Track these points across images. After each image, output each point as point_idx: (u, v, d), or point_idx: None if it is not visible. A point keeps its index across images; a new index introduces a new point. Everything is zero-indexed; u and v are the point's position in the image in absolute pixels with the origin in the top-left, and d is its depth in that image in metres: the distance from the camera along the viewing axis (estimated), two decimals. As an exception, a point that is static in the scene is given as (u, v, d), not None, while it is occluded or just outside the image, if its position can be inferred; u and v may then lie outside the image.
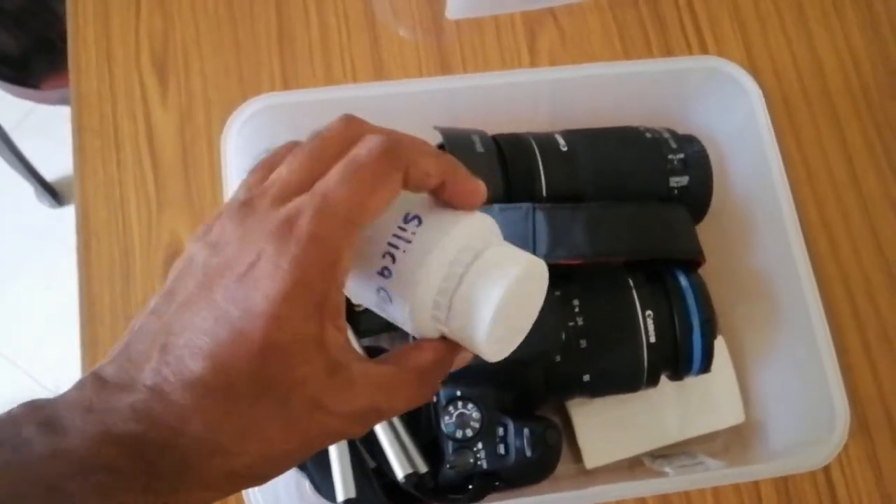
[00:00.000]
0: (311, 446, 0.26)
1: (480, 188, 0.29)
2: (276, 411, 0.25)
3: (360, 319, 0.52)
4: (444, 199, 0.29)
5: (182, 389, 0.24)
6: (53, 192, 1.32)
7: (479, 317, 0.28)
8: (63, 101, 1.05)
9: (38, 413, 0.24)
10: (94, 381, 0.25)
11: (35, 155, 1.26)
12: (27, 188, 1.30)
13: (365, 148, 0.27)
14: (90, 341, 0.54)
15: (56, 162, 1.31)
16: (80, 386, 0.25)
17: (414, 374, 0.29)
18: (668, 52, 0.62)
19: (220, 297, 0.25)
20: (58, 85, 1.02)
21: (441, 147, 0.49)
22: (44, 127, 1.33)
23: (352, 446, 0.46)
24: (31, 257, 1.33)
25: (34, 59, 1.05)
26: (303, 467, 0.47)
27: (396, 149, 0.27)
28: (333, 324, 0.26)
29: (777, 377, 0.52)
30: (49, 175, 1.31)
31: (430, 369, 0.30)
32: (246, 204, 0.27)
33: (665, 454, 0.52)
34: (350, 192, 0.26)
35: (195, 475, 0.24)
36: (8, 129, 1.17)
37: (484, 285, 0.28)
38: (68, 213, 1.35)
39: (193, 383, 0.24)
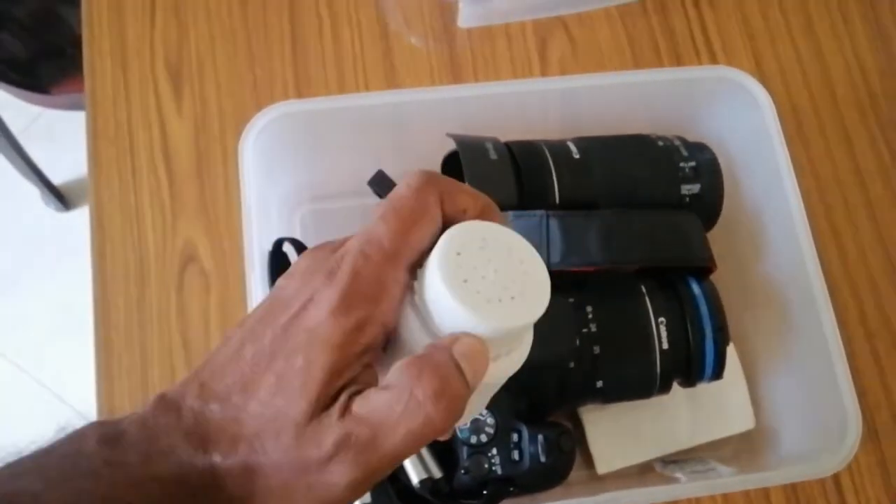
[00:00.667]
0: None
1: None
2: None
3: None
4: None
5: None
6: (60, 196, 1.33)
7: (431, 265, 0.27)
8: (72, 106, 1.05)
9: (100, 428, 0.25)
10: (158, 402, 0.26)
11: (42, 159, 1.26)
12: (34, 192, 1.31)
13: (404, 184, 0.28)
14: (105, 347, 0.54)
15: (63, 166, 1.32)
16: (146, 405, 0.26)
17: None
18: (677, 61, 0.63)
19: (281, 335, 0.26)
20: (67, 90, 1.03)
21: (454, 154, 0.50)
22: (51, 131, 1.34)
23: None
24: (36, 261, 1.33)
25: (43, 65, 1.06)
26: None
27: (433, 181, 0.28)
28: (362, 362, 0.26)
29: (788, 384, 0.52)
30: (56, 179, 1.31)
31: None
32: (311, 254, 0.29)
33: (676, 460, 0.53)
34: (388, 227, 0.27)
35: None
36: (16, 132, 1.17)
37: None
38: (74, 217, 1.36)
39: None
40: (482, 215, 0.29)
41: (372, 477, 0.26)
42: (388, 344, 0.28)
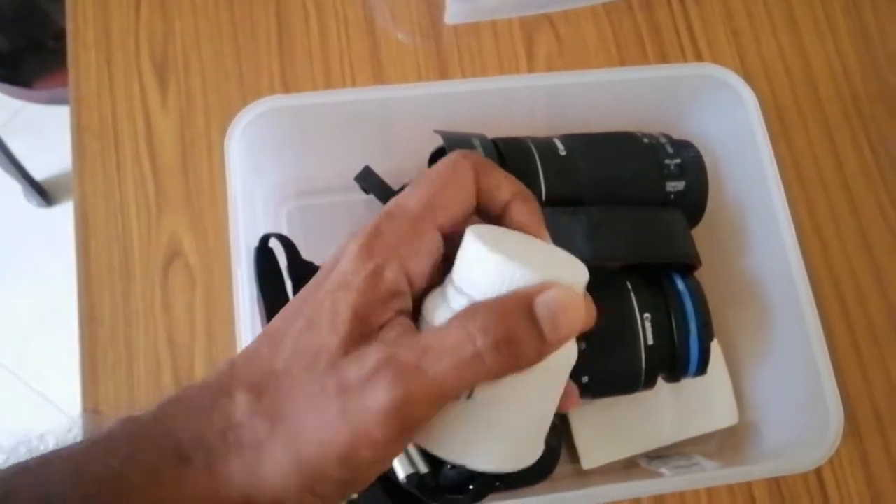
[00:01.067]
0: (349, 438, 0.24)
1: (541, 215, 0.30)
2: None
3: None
4: (515, 216, 0.30)
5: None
6: (42, 191, 1.32)
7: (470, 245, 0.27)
8: (53, 100, 1.04)
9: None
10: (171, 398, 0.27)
11: (24, 154, 1.25)
12: (15, 187, 1.29)
13: (442, 160, 0.29)
14: (90, 342, 0.54)
15: (45, 161, 1.31)
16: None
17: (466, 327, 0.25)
18: (663, 58, 0.63)
19: (312, 292, 0.27)
20: (49, 85, 1.02)
21: (441, 150, 0.50)
22: (32, 126, 1.32)
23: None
24: (18, 256, 1.32)
25: (25, 59, 1.05)
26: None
27: (468, 156, 0.29)
28: (385, 308, 0.26)
29: (771, 379, 0.53)
30: (37, 174, 1.30)
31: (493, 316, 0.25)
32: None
33: (661, 455, 0.53)
34: (416, 191, 0.28)
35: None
36: (-3, 128, 1.16)
37: None
38: (56, 213, 1.35)
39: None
40: (517, 197, 0.30)
41: (410, 411, 0.24)
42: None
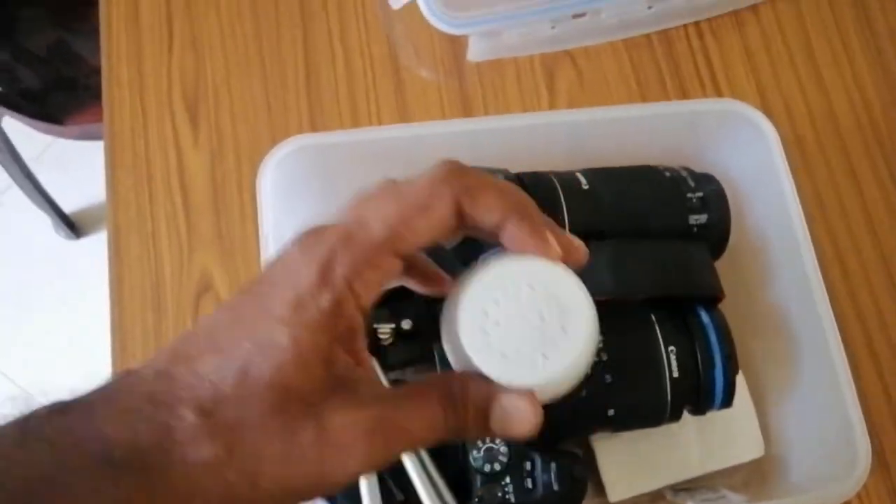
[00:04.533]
0: (318, 475, 0.25)
1: (552, 239, 0.29)
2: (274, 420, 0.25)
3: (388, 353, 0.53)
4: (508, 243, 0.28)
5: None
6: (71, 224, 1.34)
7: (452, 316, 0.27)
8: (84, 136, 1.07)
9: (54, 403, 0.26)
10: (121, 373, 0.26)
11: (53, 187, 1.28)
12: (45, 219, 1.32)
13: (424, 173, 0.27)
14: (121, 375, 0.55)
15: (73, 195, 1.33)
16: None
17: (436, 393, 0.27)
18: (683, 93, 0.64)
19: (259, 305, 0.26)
20: (79, 121, 1.05)
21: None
22: (62, 160, 1.35)
23: (381, 480, 0.47)
24: (47, 288, 1.34)
25: (55, 95, 1.08)
26: (331, 497, 0.48)
27: (453, 176, 0.27)
28: (343, 346, 0.26)
29: (797, 412, 0.52)
30: (66, 207, 1.33)
31: (458, 393, 0.27)
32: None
33: (687, 487, 0.53)
34: (384, 211, 0.26)
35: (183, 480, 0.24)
36: (28, 161, 1.19)
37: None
38: (84, 245, 1.37)
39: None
40: (509, 219, 0.28)
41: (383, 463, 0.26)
42: None
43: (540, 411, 0.28)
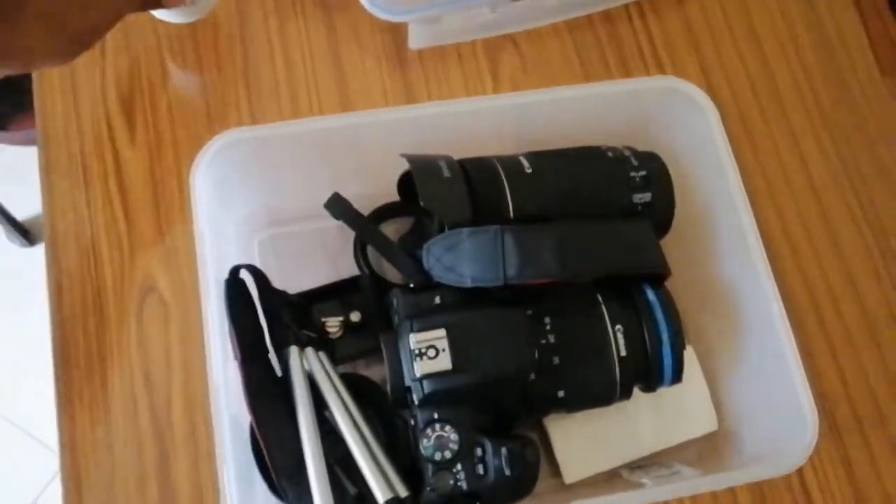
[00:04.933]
0: None
1: None
2: None
3: (336, 346, 0.53)
4: None
5: None
6: (24, 232, 1.31)
7: None
8: (28, 141, 1.05)
9: None
10: None
11: (4, 195, 1.25)
12: (-4, 229, 1.29)
13: None
14: (65, 385, 0.53)
15: (26, 202, 1.30)
16: None
17: None
18: (626, 73, 0.64)
19: None
20: (24, 126, 1.02)
21: (409, 173, 0.50)
22: (12, 167, 1.32)
23: (331, 472, 0.47)
24: (2, 297, 1.31)
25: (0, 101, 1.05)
26: (282, 495, 0.47)
27: None
28: None
29: (747, 385, 0.53)
30: (19, 215, 1.30)
31: None
32: None
33: (641, 465, 0.53)
34: None
35: None
36: (-26, 171, 1.16)
37: None
38: (39, 252, 1.34)
39: None
40: None
41: None
42: None
43: None
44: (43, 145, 0.59)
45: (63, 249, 0.56)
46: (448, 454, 0.45)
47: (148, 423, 0.53)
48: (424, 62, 0.63)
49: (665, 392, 0.51)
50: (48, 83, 0.61)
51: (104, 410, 0.53)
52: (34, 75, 0.61)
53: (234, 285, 0.47)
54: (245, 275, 0.49)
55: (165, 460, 0.52)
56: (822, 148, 0.64)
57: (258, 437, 0.45)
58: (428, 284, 0.47)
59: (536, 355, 0.46)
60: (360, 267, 0.56)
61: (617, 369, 0.47)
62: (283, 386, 0.48)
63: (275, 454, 0.45)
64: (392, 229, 0.57)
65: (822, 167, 0.64)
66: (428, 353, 0.44)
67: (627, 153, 0.53)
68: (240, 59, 0.62)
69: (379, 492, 0.45)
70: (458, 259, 0.47)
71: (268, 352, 0.50)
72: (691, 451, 0.54)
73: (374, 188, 0.55)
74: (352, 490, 0.47)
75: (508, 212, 0.50)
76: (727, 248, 0.53)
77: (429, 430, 0.45)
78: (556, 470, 0.52)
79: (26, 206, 1.31)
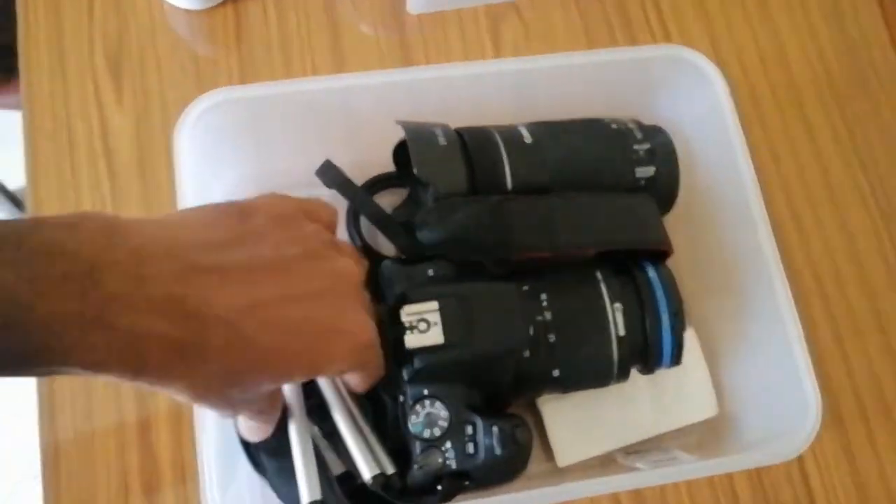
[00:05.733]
0: None
1: None
2: None
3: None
4: None
5: None
6: (17, 201, 1.29)
7: None
8: (20, 106, 1.02)
9: None
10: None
11: (-3, 163, 1.23)
12: (-11, 197, 1.27)
13: None
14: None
15: (18, 170, 1.28)
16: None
17: None
18: (632, 43, 0.62)
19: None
20: (15, 90, 1.00)
21: (404, 143, 0.48)
22: (4, 135, 1.30)
23: (316, 451, 0.45)
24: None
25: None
26: (263, 473, 0.46)
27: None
28: None
29: (749, 369, 0.51)
30: (11, 184, 1.28)
31: None
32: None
33: (638, 450, 0.52)
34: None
35: None
36: (-34, 136, 1.14)
37: None
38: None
39: None
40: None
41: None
42: None
43: None
44: (28, 106, 0.57)
45: (47, 213, 0.54)
46: (437, 431, 0.44)
47: (130, 395, 0.51)
48: (423, 27, 0.61)
49: (664, 375, 0.50)
50: (34, 42, 0.58)
51: (83, 383, 0.51)
52: (19, 34, 0.59)
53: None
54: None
55: (146, 430, 0.50)
56: (834, 127, 0.62)
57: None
58: (422, 257, 0.46)
59: (531, 332, 0.44)
60: (352, 237, 0.54)
61: (615, 349, 0.45)
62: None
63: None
64: (387, 201, 0.55)
65: (833, 147, 0.61)
66: (419, 327, 0.43)
67: (632, 126, 0.51)
68: (231, 17, 0.60)
69: (365, 468, 0.44)
70: (453, 229, 0.45)
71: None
72: (690, 436, 0.53)
73: (367, 156, 0.53)
74: (340, 468, 0.46)
75: (506, 183, 0.48)
76: (732, 226, 0.51)
77: (418, 407, 0.44)
78: (549, 453, 0.51)
79: (19, 173, 1.29)
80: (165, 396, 0.51)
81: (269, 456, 0.44)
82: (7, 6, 0.92)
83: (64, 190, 0.55)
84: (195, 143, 0.46)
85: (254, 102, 0.47)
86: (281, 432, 0.44)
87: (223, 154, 0.49)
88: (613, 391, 0.50)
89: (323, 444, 0.46)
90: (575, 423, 0.51)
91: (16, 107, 1.03)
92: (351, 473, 0.45)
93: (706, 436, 0.53)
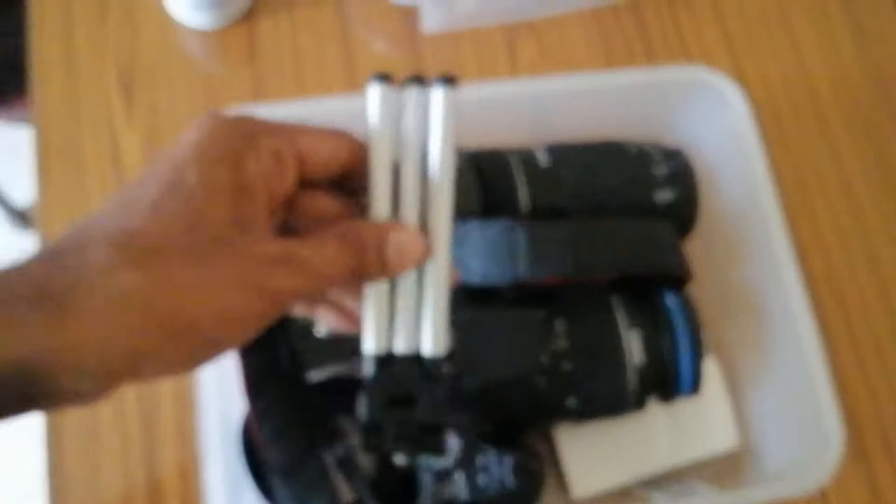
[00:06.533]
0: (235, 303, 0.26)
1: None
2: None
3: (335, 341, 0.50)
4: None
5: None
6: (23, 217, 1.30)
7: None
8: (27, 121, 1.03)
9: None
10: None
11: (3, 177, 1.23)
12: (-3, 212, 1.27)
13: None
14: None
15: (25, 184, 1.29)
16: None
17: (333, 233, 0.29)
18: (652, 62, 0.61)
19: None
20: (23, 105, 1.00)
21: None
22: (10, 152, 1.30)
23: (327, 477, 0.44)
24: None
25: (1, 77, 1.03)
26: (272, 496, 0.45)
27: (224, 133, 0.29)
28: (246, 199, 0.28)
29: (770, 398, 0.50)
30: (18, 198, 1.28)
31: (353, 233, 0.29)
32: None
33: (655, 482, 0.50)
34: None
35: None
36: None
37: None
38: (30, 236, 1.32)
39: None
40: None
41: (294, 297, 0.29)
42: None
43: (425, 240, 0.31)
44: (39, 124, 0.57)
45: (56, 232, 0.54)
46: (449, 461, 0.42)
47: (135, 413, 0.50)
48: (438, 48, 0.60)
49: (683, 404, 0.48)
50: (45, 59, 0.58)
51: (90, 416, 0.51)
52: (31, 50, 0.58)
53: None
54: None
55: (152, 453, 0.49)
56: (859, 148, 0.61)
57: (253, 431, 0.43)
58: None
59: (546, 360, 0.43)
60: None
61: (631, 378, 0.44)
62: (286, 379, 0.46)
63: (271, 450, 0.43)
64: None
65: (859, 169, 0.60)
66: (430, 354, 0.42)
67: (651, 149, 0.50)
68: (244, 36, 0.59)
69: (371, 338, 0.31)
70: (467, 253, 0.44)
71: (269, 344, 0.46)
72: (709, 467, 0.51)
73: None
74: (348, 497, 0.45)
75: (522, 206, 0.47)
76: (754, 252, 0.50)
77: (429, 437, 0.43)
78: (562, 484, 0.49)
79: (24, 189, 1.29)
80: (170, 423, 0.50)
81: (283, 479, 0.43)
82: (14, 22, 0.92)
83: (73, 208, 0.55)
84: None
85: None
86: (300, 450, 0.43)
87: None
88: (630, 420, 0.48)
89: (336, 473, 0.45)
90: (590, 452, 0.49)
91: (23, 122, 1.03)
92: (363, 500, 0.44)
93: (725, 467, 0.51)
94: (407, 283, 0.31)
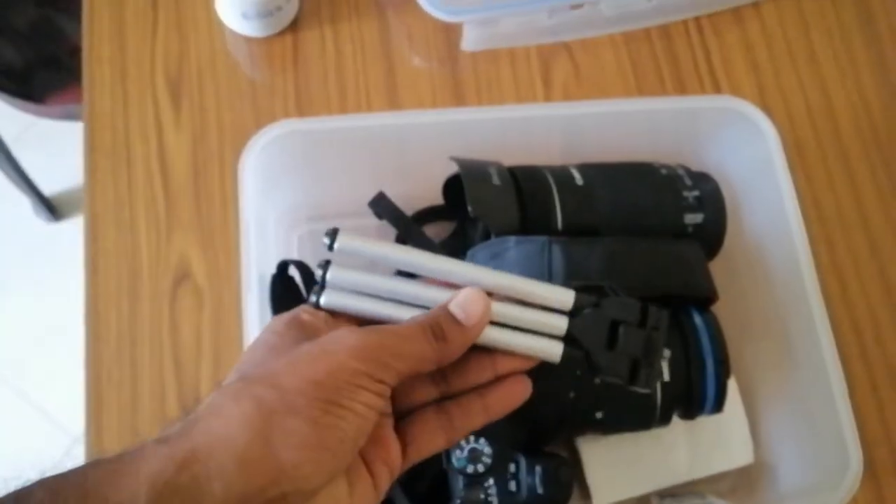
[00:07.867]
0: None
1: None
2: None
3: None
4: None
5: None
6: (51, 207, 1.31)
7: None
8: (66, 116, 1.04)
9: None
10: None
11: (34, 168, 1.25)
12: (24, 201, 1.29)
13: None
14: (94, 361, 0.53)
15: (55, 176, 1.30)
16: None
17: (419, 325, 0.32)
18: (681, 89, 0.63)
19: None
20: (62, 100, 1.02)
21: (456, 177, 0.49)
22: (44, 141, 1.32)
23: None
24: (25, 271, 1.31)
25: (38, 74, 1.05)
26: None
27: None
28: None
29: (788, 418, 0.51)
30: (47, 189, 1.30)
31: (434, 321, 0.32)
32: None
33: (672, 493, 0.52)
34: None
35: None
36: (8, 140, 1.16)
37: None
38: (65, 228, 1.34)
39: None
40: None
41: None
42: None
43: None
44: (89, 123, 0.58)
45: (102, 228, 0.56)
46: (481, 467, 0.44)
47: (175, 408, 0.52)
48: (476, 65, 0.62)
49: (702, 420, 0.50)
50: (97, 60, 0.60)
51: (131, 391, 0.52)
52: (84, 51, 0.60)
53: (280, 280, 0.46)
54: (293, 271, 0.48)
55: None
56: (877, 179, 0.62)
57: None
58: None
59: (578, 374, 0.45)
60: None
61: (659, 394, 0.46)
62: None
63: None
64: (433, 232, 0.56)
65: (876, 199, 0.62)
66: (466, 363, 0.43)
67: (681, 172, 0.52)
68: (290, 45, 0.61)
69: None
70: (503, 268, 0.46)
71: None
72: (725, 482, 0.53)
73: (416, 189, 0.54)
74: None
75: (557, 224, 0.49)
76: (778, 276, 0.52)
77: (462, 442, 0.44)
78: (585, 492, 0.51)
79: (55, 180, 1.31)
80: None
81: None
82: (47, 20, 0.94)
83: (120, 206, 0.56)
84: (257, 171, 0.47)
85: (314, 134, 0.49)
86: None
87: (280, 181, 0.51)
88: (651, 434, 0.50)
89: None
90: (612, 463, 0.51)
91: (59, 116, 1.05)
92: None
93: (740, 482, 0.53)
94: None
